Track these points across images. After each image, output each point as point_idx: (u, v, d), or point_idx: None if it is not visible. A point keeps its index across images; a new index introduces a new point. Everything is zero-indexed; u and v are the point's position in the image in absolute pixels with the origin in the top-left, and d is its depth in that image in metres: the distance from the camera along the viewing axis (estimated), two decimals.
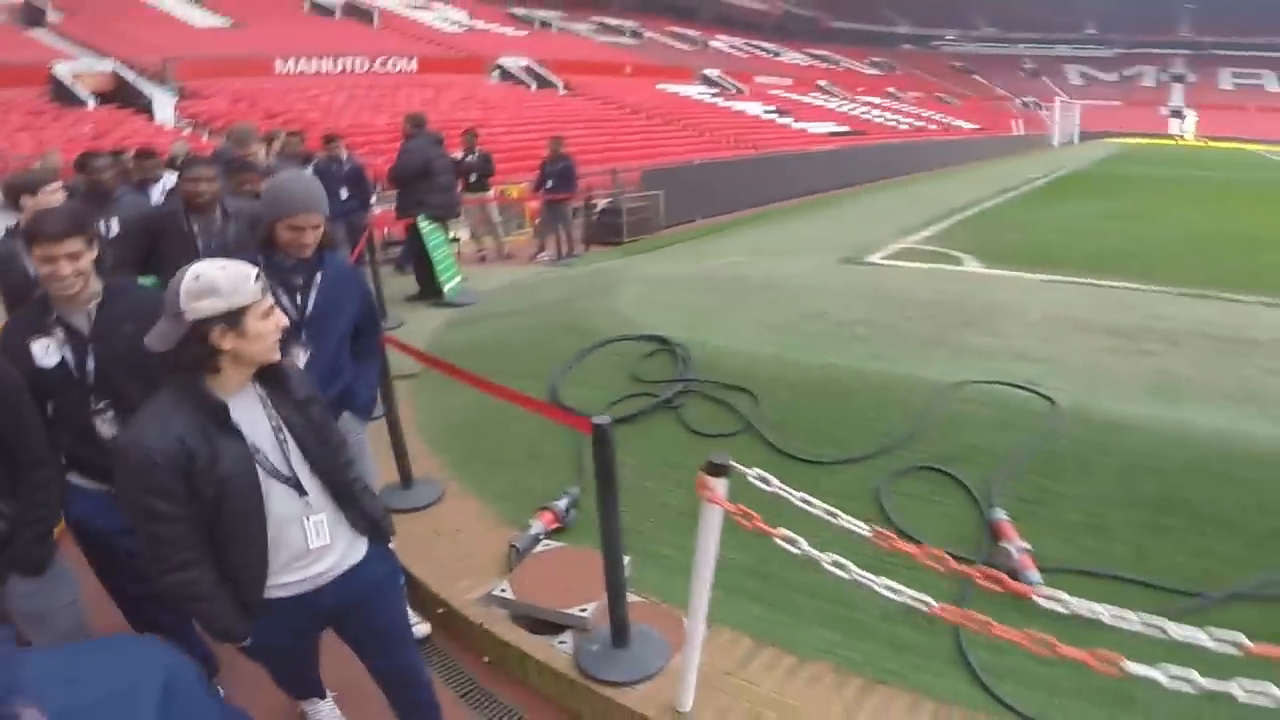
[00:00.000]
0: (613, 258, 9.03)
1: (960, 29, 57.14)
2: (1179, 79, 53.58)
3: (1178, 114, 50.21)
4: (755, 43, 46.88)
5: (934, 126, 36.07)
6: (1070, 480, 3.05)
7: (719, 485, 1.82)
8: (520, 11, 34.89)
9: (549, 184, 9.47)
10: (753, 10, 50.65)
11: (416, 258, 7.33)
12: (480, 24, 31.44)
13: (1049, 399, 3.50)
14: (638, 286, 5.92)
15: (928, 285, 5.91)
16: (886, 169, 19.35)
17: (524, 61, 25.38)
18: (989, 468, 3.13)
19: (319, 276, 2.39)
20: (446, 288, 6.99)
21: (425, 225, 7.11)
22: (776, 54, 46.43)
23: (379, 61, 21.90)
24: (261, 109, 16.30)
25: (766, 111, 27.99)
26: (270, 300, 1.66)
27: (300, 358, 2.36)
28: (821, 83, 40.20)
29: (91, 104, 15.94)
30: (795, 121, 27.33)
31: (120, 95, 16.71)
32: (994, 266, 6.96)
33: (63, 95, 16.01)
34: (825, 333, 4.56)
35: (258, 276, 1.63)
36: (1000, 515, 2.90)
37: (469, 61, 24.51)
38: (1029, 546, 2.73)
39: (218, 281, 1.56)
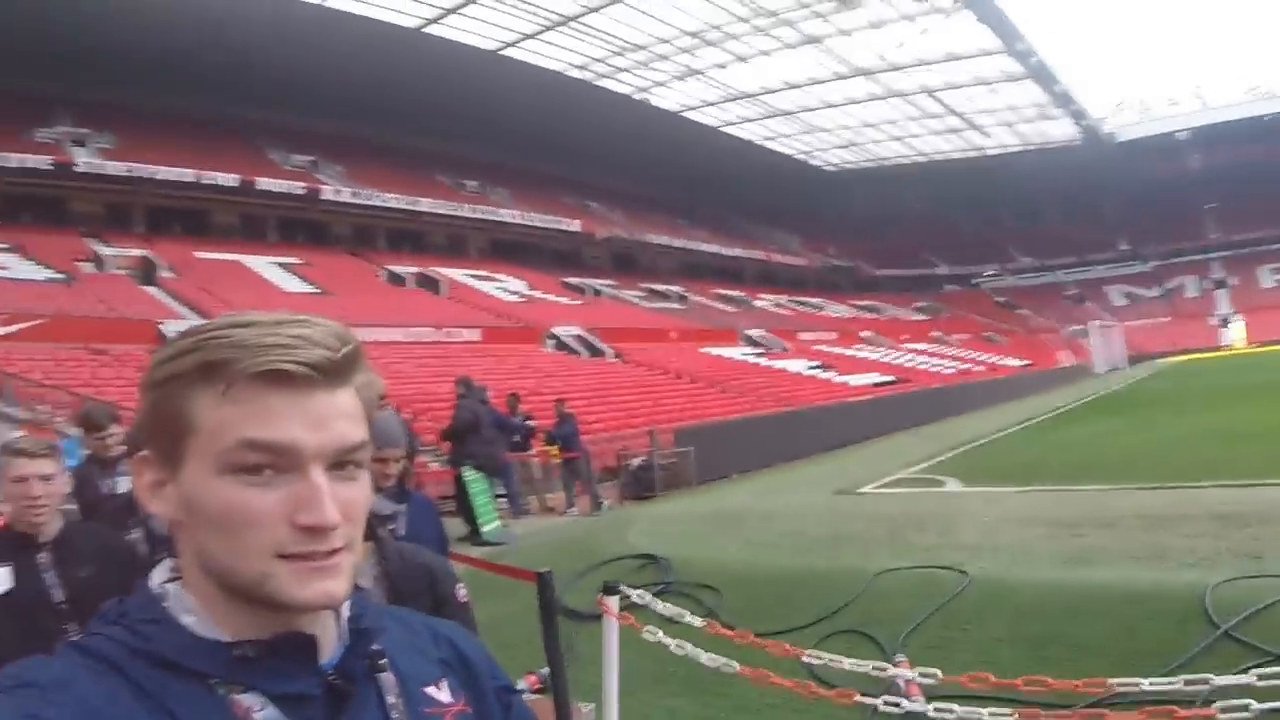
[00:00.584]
0: (641, 508, 10.58)
1: (998, 263, 61.61)
2: (1220, 284, 55.84)
3: (1225, 322, 51.88)
4: (799, 298, 51.50)
5: (980, 368, 38.23)
6: (966, 629, 4.22)
7: (612, 602, 3.20)
8: (574, 281, 39.79)
9: (558, 444, 11.35)
10: (794, 267, 56.10)
11: (461, 503, 9.01)
12: (538, 293, 36.03)
13: (963, 573, 4.73)
14: (648, 523, 7.45)
15: (900, 505, 7.26)
16: (920, 414, 21.02)
17: (575, 330, 28.95)
18: (901, 626, 4.32)
19: (404, 508, 2.91)
20: (485, 529, 8.56)
21: (470, 475, 8.87)
22: (820, 308, 50.76)
23: (445, 331, 25.41)
24: None
25: (809, 368, 30.64)
26: None
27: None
28: (865, 334, 43.56)
29: None
30: (837, 375, 29.79)
31: None
32: (973, 485, 8.28)
33: None
34: (795, 545, 5.92)
35: None
36: (900, 658, 4.06)
37: (526, 331, 28.12)
38: (914, 677, 3.88)
39: None
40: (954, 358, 40.42)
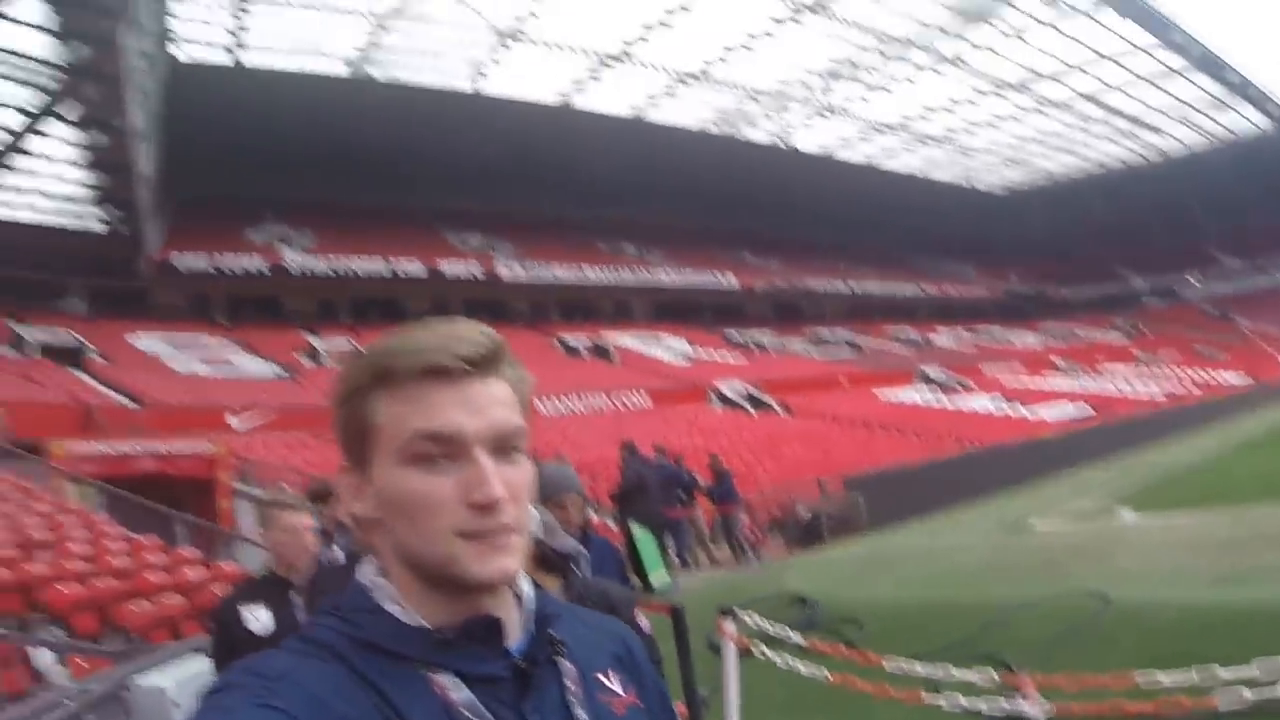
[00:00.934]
0: (803, 556, 10.70)
1: (1201, 270, 55.54)
2: None
3: None
4: (980, 328, 48.97)
5: (1195, 389, 34.56)
6: (1096, 652, 4.15)
7: (729, 625, 3.50)
8: (735, 335, 40.18)
9: (714, 500, 11.70)
10: (971, 298, 53.47)
11: (631, 557, 9.55)
12: (701, 352, 36.72)
13: (1106, 599, 4.65)
14: (806, 568, 7.62)
15: (1063, 538, 7.01)
16: (1118, 444, 19.48)
17: (739, 386, 29.24)
18: (1031, 649, 4.30)
19: (588, 553, 2.99)
20: (654, 581, 9.03)
21: (637, 530, 9.40)
22: (1004, 338, 48.01)
23: (616, 398, 26.51)
24: (531, 448, 20.52)
25: (993, 404, 29.13)
26: None
27: None
28: (1057, 360, 40.75)
29: None
30: (1026, 409, 28.09)
31: None
32: (1146, 512, 7.76)
33: None
34: (946, 580, 5.93)
35: None
36: (1023, 676, 4.06)
37: (692, 391, 28.78)
38: (1039, 700, 3.89)
39: None
40: (1161, 379, 36.87)
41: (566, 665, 0.82)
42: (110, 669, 4.87)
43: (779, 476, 17.76)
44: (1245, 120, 46.39)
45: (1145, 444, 19.67)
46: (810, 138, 43.45)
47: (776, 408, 27.69)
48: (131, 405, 19.62)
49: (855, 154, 46.34)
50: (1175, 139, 48.60)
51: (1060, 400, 29.83)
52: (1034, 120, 43.83)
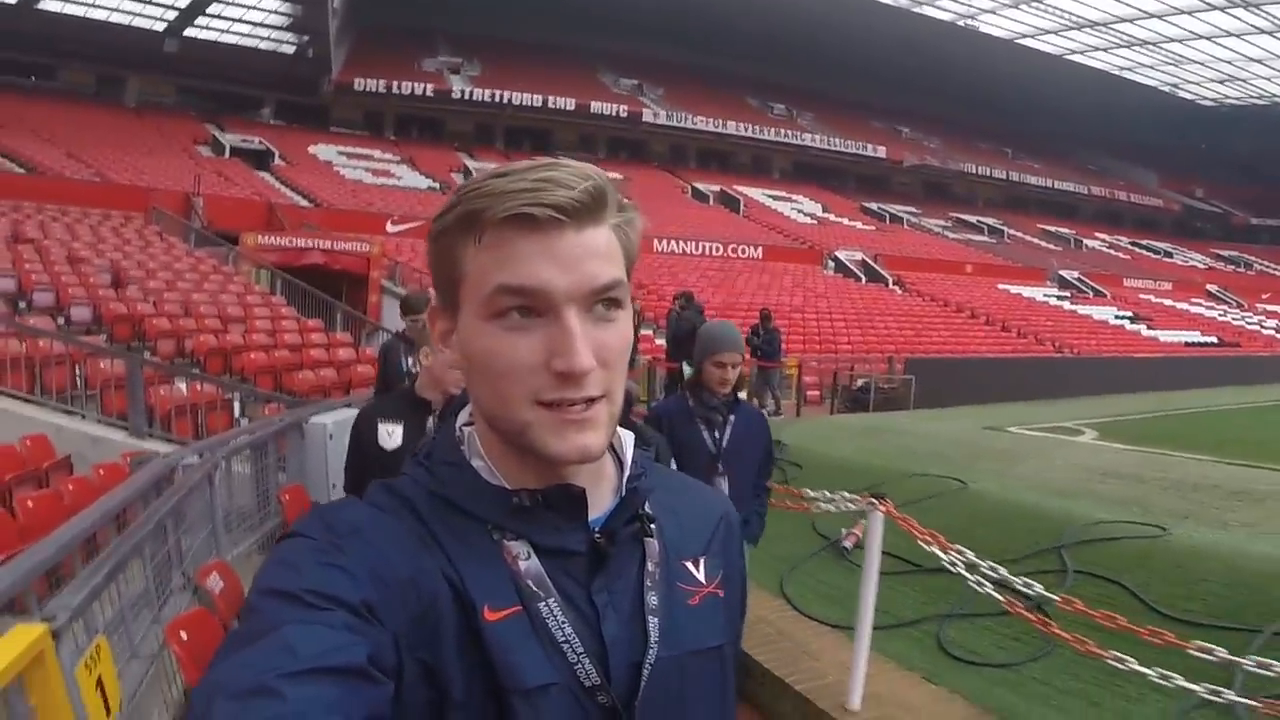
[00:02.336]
0: (826, 417, 12.21)
1: None
2: None
3: None
4: (1146, 241, 45.97)
5: None
6: (934, 513, 5.63)
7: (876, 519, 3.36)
8: (873, 206, 39.76)
9: (757, 353, 12.63)
10: (1145, 206, 49.75)
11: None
12: (832, 216, 36.86)
13: (961, 481, 6.05)
14: (811, 426, 9.20)
15: (1012, 442, 8.24)
16: (1188, 380, 19.34)
17: (859, 255, 29.68)
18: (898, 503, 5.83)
19: (733, 417, 3.01)
20: None
21: (687, 370, 11.13)
22: (1169, 254, 44.95)
23: (731, 248, 27.74)
24: (637, 282, 22.33)
25: (1117, 317, 28.39)
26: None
27: (721, 485, 2.82)
28: (1213, 288, 38.23)
29: None
30: (1148, 329, 27.33)
31: None
32: (1104, 440, 8.78)
33: None
34: (901, 455, 7.35)
35: None
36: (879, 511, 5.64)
37: (808, 253, 29.51)
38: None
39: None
40: None
41: (652, 546, 0.76)
42: (287, 413, 7.08)
43: (861, 347, 18.92)
44: None
45: (1225, 385, 19.41)
46: (999, 23, 40.26)
47: (889, 281, 28.15)
48: (306, 204, 22.75)
49: (1046, 45, 42.55)
50: None
51: (1187, 327, 28.65)
52: (1261, 40, 38.65)
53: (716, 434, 3.04)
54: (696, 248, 26.86)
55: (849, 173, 43.23)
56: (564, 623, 0.69)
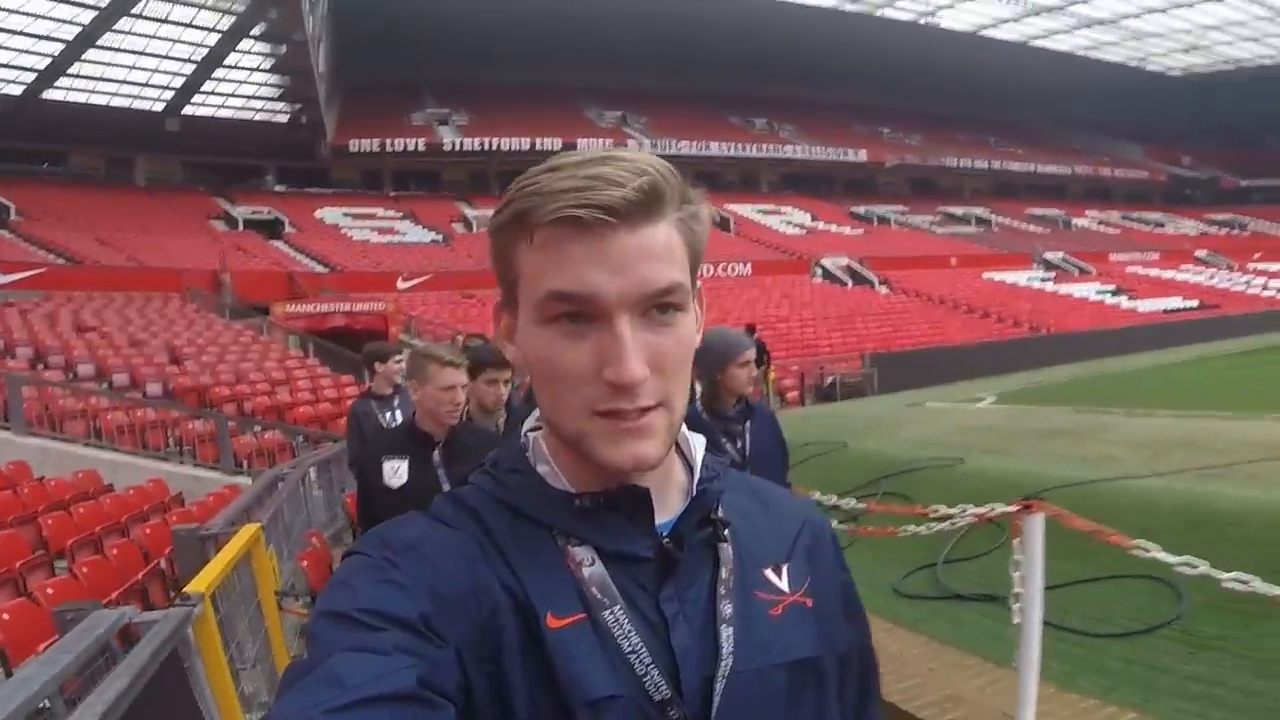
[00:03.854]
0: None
1: None
2: None
3: None
4: (1136, 214, 47.71)
5: None
6: (815, 470, 7.69)
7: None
8: (861, 210, 41.83)
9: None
10: (1132, 181, 51.49)
11: None
12: (821, 225, 38.95)
13: (845, 444, 8.04)
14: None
15: (915, 414, 10.24)
16: (1158, 344, 21.23)
17: (844, 261, 31.76)
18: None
19: (749, 422, 3.10)
20: None
21: None
22: (1160, 224, 46.70)
23: (721, 267, 29.87)
24: None
25: (1099, 292, 30.24)
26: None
27: None
28: (1201, 253, 39.95)
29: None
30: (1128, 301, 29.16)
31: None
32: (1003, 404, 10.75)
33: None
34: (820, 427, 9.36)
35: None
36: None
37: (796, 263, 31.63)
38: None
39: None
40: None
41: (726, 552, 0.73)
42: (335, 447, 9.31)
43: (841, 347, 20.96)
44: None
45: (1180, 345, 21.25)
46: (958, 17, 42.48)
47: (875, 283, 30.17)
48: (321, 269, 25.18)
49: (1008, 33, 44.71)
50: None
51: (1169, 295, 30.45)
52: (1213, 8, 40.65)
53: (739, 443, 3.09)
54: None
55: (835, 179, 45.38)
56: (630, 632, 0.67)
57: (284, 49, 29.59)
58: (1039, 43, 45.54)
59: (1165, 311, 27.86)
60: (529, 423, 0.78)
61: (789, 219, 39.26)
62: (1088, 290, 30.55)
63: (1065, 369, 16.91)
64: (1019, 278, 32.37)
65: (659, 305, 0.67)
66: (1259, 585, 2.74)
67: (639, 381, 0.65)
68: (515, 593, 0.67)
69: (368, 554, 0.68)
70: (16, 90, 29.18)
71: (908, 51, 43.30)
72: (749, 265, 30.40)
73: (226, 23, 28.88)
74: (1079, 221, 45.29)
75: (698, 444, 0.79)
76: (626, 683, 0.66)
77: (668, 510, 0.74)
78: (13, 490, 7.62)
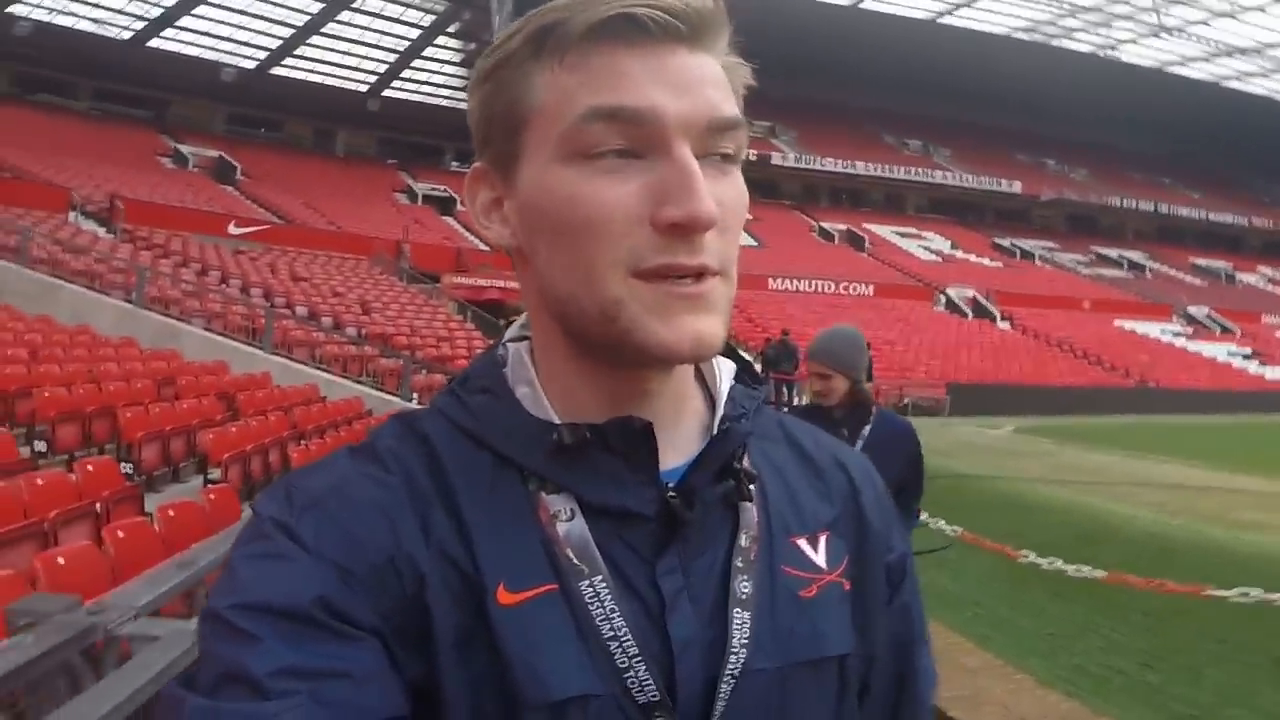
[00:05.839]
0: None
1: None
2: None
3: None
4: None
5: None
6: None
7: None
8: (1006, 242, 42.63)
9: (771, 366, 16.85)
10: None
11: None
12: (959, 253, 40.16)
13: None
14: None
15: (949, 430, 12.70)
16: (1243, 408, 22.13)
17: (969, 292, 33.25)
18: None
19: (866, 430, 3.01)
20: None
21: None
22: None
23: (843, 286, 32.11)
24: (747, 315, 27.14)
25: (1229, 353, 30.47)
26: None
27: None
28: None
29: None
30: (1258, 365, 29.33)
31: None
32: (1014, 432, 12.99)
33: None
34: None
35: None
36: None
37: (921, 290, 33.40)
38: None
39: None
40: None
41: (748, 512, 0.58)
42: None
43: (936, 374, 23.05)
44: None
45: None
46: (1141, 52, 42.39)
47: (998, 317, 31.56)
48: (484, 248, 29.42)
49: (1197, 72, 44.00)
50: None
51: None
52: None
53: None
54: (810, 285, 31.43)
55: (985, 207, 46.14)
56: (614, 611, 0.52)
57: (473, 45, 34.23)
58: (1232, 84, 44.61)
59: None
60: (511, 330, 0.63)
61: (928, 244, 40.64)
62: (1219, 350, 30.76)
63: (1121, 418, 18.60)
64: (1152, 329, 32.77)
65: (721, 150, 0.55)
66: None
67: (713, 219, 0.51)
68: (456, 558, 0.52)
69: (265, 514, 0.54)
70: (251, 65, 35.20)
71: (1084, 83, 43.50)
72: (871, 287, 32.42)
73: (428, 20, 33.93)
74: (1246, 277, 44.16)
75: (725, 370, 0.63)
76: (602, 678, 0.51)
77: (678, 453, 0.58)
78: (264, 391, 11.53)
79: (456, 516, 0.53)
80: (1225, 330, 34.30)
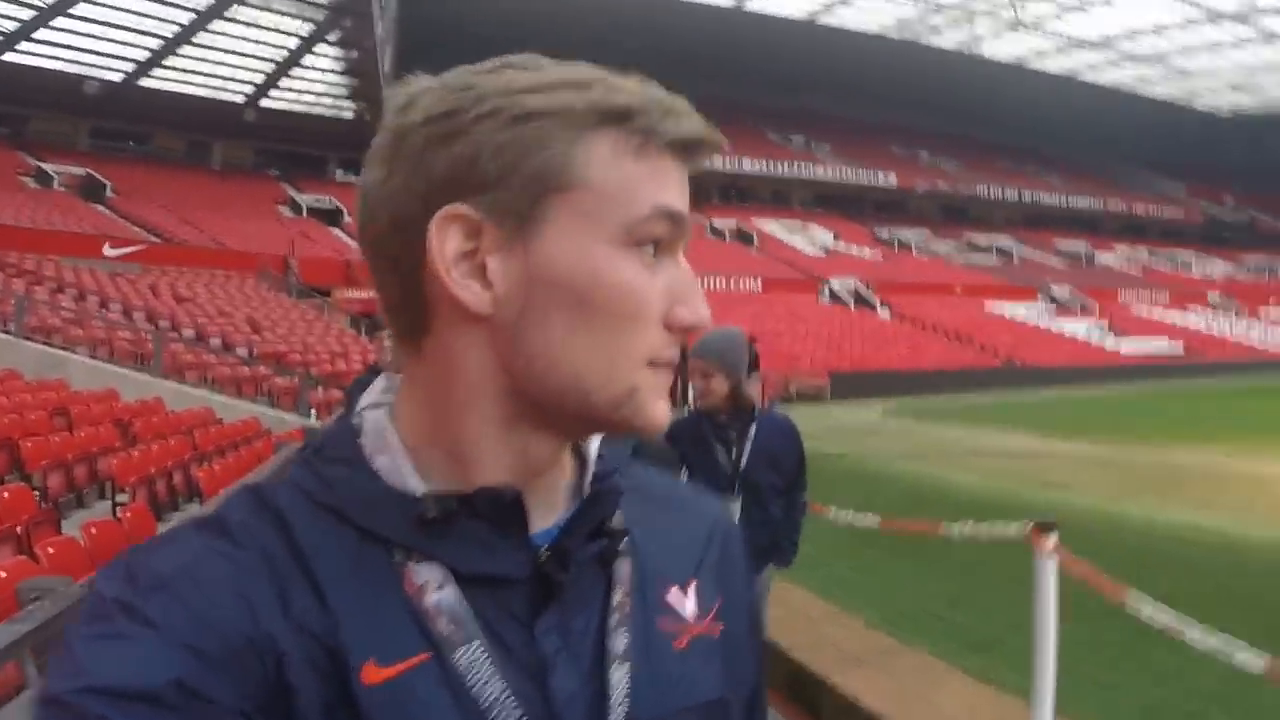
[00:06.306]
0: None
1: None
2: None
3: None
4: (1166, 252, 50.02)
5: None
6: None
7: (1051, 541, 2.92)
8: (884, 233, 44.96)
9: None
10: (1167, 219, 53.71)
11: None
12: (842, 246, 42.17)
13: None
14: None
15: (825, 413, 13.81)
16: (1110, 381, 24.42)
17: (851, 283, 35.10)
18: None
19: (754, 429, 2.99)
20: None
21: None
22: (1188, 264, 48.97)
23: (733, 281, 33.38)
24: None
25: (1087, 330, 33.20)
26: None
27: (734, 508, 2.86)
28: (1214, 296, 42.35)
29: None
30: (1113, 341, 32.10)
31: None
32: (882, 415, 14.25)
33: None
34: None
35: None
36: None
37: (806, 283, 35.06)
38: None
39: None
40: None
41: (623, 569, 0.60)
42: None
43: (820, 362, 24.48)
44: None
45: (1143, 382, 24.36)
46: (1001, 48, 45.25)
47: (878, 306, 33.48)
48: None
49: (1052, 65, 47.25)
50: None
51: (1156, 336, 33.27)
52: (1258, 50, 42.95)
53: (733, 451, 2.98)
54: (703, 283, 32.19)
55: (865, 200, 48.48)
56: (492, 675, 0.53)
57: (355, 54, 34.01)
58: (1085, 77, 48.13)
59: (1144, 354, 30.75)
60: (367, 396, 0.61)
61: (813, 238, 42.50)
62: (1079, 327, 33.47)
63: (988, 396, 20.33)
64: (1019, 310, 35.36)
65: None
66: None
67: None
68: (319, 634, 0.51)
69: (102, 595, 0.51)
70: (117, 77, 34.00)
71: (952, 78, 46.23)
72: (759, 281, 33.86)
73: (307, 29, 33.52)
74: (1104, 257, 47.82)
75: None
76: None
77: (551, 511, 0.59)
78: (158, 416, 11.66)
79: (318, 592, 0.52)
80: (1085, 308, 37.24)
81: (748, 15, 41.00)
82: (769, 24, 41.50)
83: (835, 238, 42.90)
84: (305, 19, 32.85)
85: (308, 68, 35.78)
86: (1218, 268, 49.38)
